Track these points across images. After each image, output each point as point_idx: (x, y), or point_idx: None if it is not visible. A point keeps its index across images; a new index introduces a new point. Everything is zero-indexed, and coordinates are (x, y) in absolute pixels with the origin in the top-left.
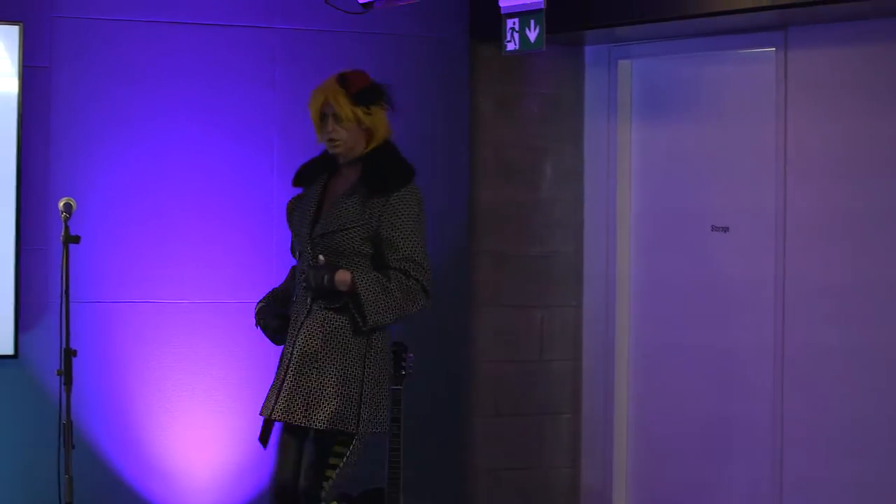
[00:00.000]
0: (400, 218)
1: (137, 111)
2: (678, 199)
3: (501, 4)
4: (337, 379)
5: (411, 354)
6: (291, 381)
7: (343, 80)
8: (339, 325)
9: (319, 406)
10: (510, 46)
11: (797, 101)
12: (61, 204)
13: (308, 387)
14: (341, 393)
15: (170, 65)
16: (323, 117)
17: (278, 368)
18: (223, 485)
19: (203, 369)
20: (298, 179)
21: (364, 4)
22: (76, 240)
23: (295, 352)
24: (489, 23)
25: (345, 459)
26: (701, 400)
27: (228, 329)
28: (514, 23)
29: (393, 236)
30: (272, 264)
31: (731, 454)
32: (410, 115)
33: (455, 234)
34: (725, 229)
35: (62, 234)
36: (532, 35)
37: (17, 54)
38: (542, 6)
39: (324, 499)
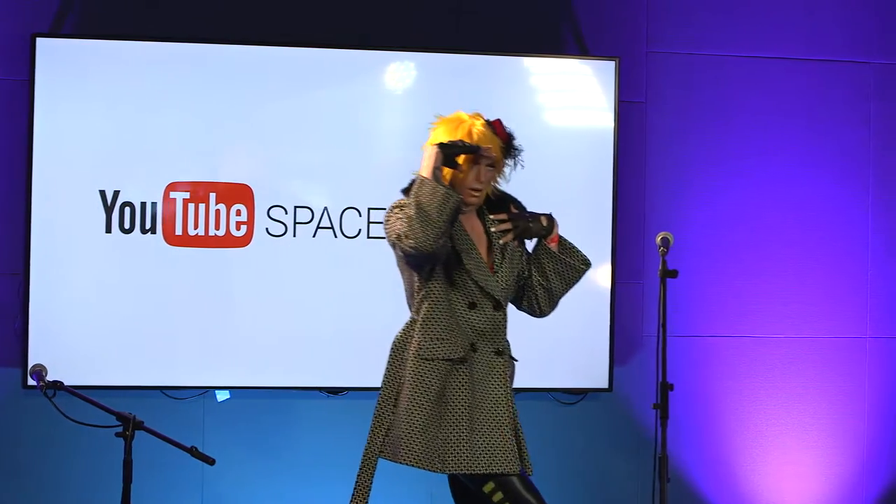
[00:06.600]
0: None
1: (730, 147)
2: None
3: None
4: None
5: None
6: (515, 433)
7: (494, 128)
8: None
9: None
10: None
11: None
12: (659, 238)
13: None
14: None
15: (763, 101)
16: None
17: (475, 420)
18: None
19: (796, 404)
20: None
21: None
22: (674, 274)
23: (512, 403)
24: None
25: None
26: None
27: (822, 364)
28: None
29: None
30: (865, 301)
31: None
32: None
33: None
34: None
35: (660, 268)
36: None
37: (613, 90)
38: None
39: None
